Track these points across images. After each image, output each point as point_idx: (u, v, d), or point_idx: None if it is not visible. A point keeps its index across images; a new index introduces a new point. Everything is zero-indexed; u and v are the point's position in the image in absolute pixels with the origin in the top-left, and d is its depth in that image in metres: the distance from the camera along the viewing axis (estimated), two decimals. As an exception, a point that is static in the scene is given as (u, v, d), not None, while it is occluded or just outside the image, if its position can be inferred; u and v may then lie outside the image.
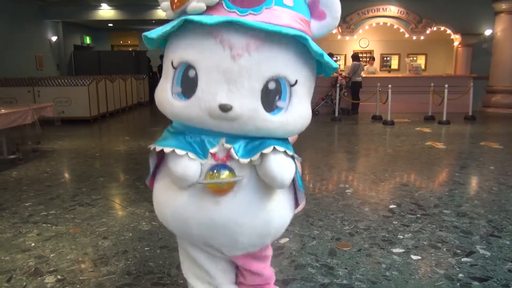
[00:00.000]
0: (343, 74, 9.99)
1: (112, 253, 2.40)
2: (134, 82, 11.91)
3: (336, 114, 9.07)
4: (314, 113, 9.59)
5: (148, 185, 1.45)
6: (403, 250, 2.43)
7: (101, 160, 5.10)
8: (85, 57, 14.24)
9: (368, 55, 12.42)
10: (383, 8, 11.00)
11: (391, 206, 3.22)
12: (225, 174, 1.21)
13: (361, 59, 10.54)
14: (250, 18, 1.07)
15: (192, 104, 1.15)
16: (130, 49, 16.43)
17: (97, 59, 13.98)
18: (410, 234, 2.66)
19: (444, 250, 2.43)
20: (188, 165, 1.19)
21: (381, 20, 11.24)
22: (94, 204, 3.29)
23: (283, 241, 2.55)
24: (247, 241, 1.31)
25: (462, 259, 2.30)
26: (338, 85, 9.33)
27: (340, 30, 11.08)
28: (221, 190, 1.22)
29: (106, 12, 12.80)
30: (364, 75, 10.07)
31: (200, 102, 1.13)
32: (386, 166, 4.64)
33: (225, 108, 1.10)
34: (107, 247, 2.48)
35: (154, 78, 14.45)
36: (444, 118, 8.10)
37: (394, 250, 2.43)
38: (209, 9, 1.09)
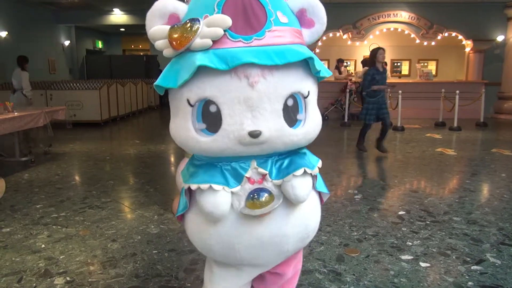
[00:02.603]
0: (353, 79, 9.97)
1: (121, 255, 2.42)
2: (144, 86, 12.02)
3: (346, 120, 9.04)
4: (324, 118, 9.56)
5: (177, 219, 1.44)
6: (412, 257, 2.41)
7: (111, 163, 5.15)
8: (97, 61, 14.44)
9: (378, 60, 12.36)
10: (394, 14, 10.97)
11: (400, 213, 3.20)
12: (264, 197, 1.22)
13: (371, 65, 10.49)
14: (255, 44, 1.11)
15: (220, 137, 1.16)
16: (141, 54, 16.61)
17: (108, 63, 14.16)
18: (419, 241, 2.64)
19: (454, 257, 2.40)
20: (221, 199, 1.20)
21: (391, 26, 11.20)
22: (103, 207, 3.32)
23: (290, 246, 2.54)
24: (292, 248, 1.35)
25: (472, 267, 2.28)
26: (348, 90, 9.31)
27: (351, 36, 11.06)
28: (263, 213, 1.23)
29: (118, 17, 12.98)
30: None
31: (229, 134, 1.15)
32: (396, 172, 4.61)
33: (254, 135, 1.14)
34: (116, 250, 2.51)
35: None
36: (455, 125, 8.02)
37: (403, 257, 2.41)
38: (214, 42, 1.11)
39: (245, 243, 1.27)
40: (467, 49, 11.16)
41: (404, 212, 3.21)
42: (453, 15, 10.67)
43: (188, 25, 1.12)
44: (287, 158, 1.27)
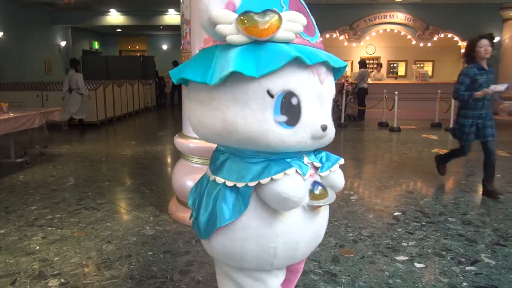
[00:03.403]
0: (350, 80, 9.99)
1: (116, 257, 2.42)
2: (141, 87, 12.01)
3: (342, 121, 9.06)
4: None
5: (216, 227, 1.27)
6: (407, 258, 2.41)
7: (107, 164, 5.13)
8: (93, 62, 14.39)
9: (375, 61, 12.41)
10: (390, 15, 11.01)
11: (396, 213, 3.21)
12: (319, 189, 1.28)
13: (368, 66, 10.54)
14: (315, 45, 1.23)
15: (298, 130, 1.18)
16: (138, 54, 16.58)
17: (105, 64, 14.11)
18: (414, 242, 2.65)
19: (449, 258, 2.41)
20: (302, 184, 1.21)
21: (388, 27, 11.25)
22: (99, 208, 3.31)
23: (286, 247, 2.54)
24: (320, 242, 1.44)
25: (467, 268, 2.28)
26: (344, 91, 9.33)
27: (347, 37, 11.09)
28: (319, 206, 1.30)
29: (114, 17, 12.96)
30: (370, 82, 10.06)
31: (306, 127, 1.18)
32: (392, 173, 4.62)
33: (325, 128, 1.22)
34: (111, 251, 2.50)
35: (160, 83, 14.55)
36: (451, 125, 8.04)
37: (398, 258, 2.41)
38: None
39: (306, 240, 1.31)
40: (463, 50, 11.20)
41: (399, 213, 3.21)
42: (449, 16, 10.72)
43: (270, 15, 1.11)
44: (321, 152, 1.40)
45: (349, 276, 2.20)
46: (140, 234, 2.77)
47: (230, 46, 1.13)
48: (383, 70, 11.94)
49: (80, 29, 14.43)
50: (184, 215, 2.98)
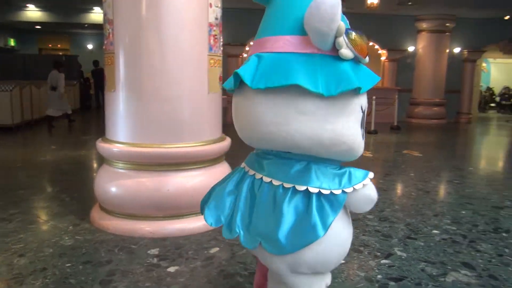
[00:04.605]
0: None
1: (29, 271, 2.24)
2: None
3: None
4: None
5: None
6: (329, 255, 2.52)
7: (23, 171, 4.76)
8: (9, 61, 13.24)
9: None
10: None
11: (320, 213, 3.34)
12: None
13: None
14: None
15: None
16: (60, 53, 15.58)
17: (22, 63, 13.06)
18: (335, 239, 2.77)
19: (366, 253, 2.57)
20: None
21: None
22: (11, 219, 3.06)
23: (213, 250, 2.54)
24: None
25: (382, 261, 2.45)
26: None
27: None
28: None
29: (33, 13, 12.06)
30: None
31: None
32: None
33: None
34: (23, 265, 2.31)
35: (85, 84, 13.81)
36: (372, 128, 8.59)
37: (320, 256, 2.51)
38: None
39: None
40: (383, 58, 12.01)
41: (323, 212, 3.35)
42: (370, 26, 11.41)
43: (365, 37, 1.25)
44: None
45: (273, 276, 2.24)
46: (58, 245, 2.60)
47: (334, 58, 1.20)
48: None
49: (-7, 24, 13.24)
50: (108, 222, 2.86)
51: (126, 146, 2.79)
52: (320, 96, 1.16)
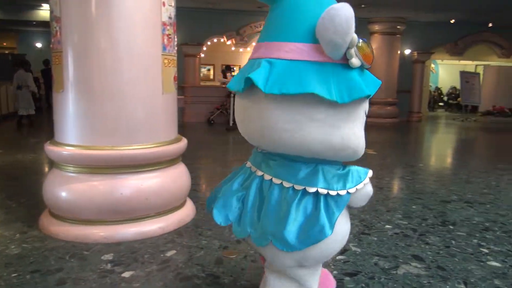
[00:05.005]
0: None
1: (-30, 284, 2.11)
2: (10, 89, 10.68)
3: (231, 124, 9.23)
4: (210, 122, 9.65)
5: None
6: (286, 253, 2.54)
7: (-35, 177, 4.46)
8: None
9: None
10: (274, 23, 11.57)
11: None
12: None
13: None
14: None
15: None
16: (6, 52, 14.75)
17: (-38, 62, 12.25)
18: (293, 238, 2.81)
19: (322, 250, 2.61)
20: None
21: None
22: (-50, 229, 2.86)
23: (169, 253, 2.50)
24: None
25: (337, 257, 2.50)
26: (232, 95, 9.53)
27: (234, 42, 11.36)
28: None
29: (-25, 9, 11.33)
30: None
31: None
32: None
33: None
34: (-36, 278, 2.17)
35: (36, 84, 13.13)
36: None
37: (278, 254, 2.53)
38: None
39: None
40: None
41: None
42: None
43: (371, 46, 1.31)
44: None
45: (231, 276, 2.24)
46: (3, 255, 2.46)
47: (344, 67, 1.25)
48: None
49: None
50: (58, 228, 2.74)
51: (76, 149, 2.68)
52: (331, 103, 1.24)
